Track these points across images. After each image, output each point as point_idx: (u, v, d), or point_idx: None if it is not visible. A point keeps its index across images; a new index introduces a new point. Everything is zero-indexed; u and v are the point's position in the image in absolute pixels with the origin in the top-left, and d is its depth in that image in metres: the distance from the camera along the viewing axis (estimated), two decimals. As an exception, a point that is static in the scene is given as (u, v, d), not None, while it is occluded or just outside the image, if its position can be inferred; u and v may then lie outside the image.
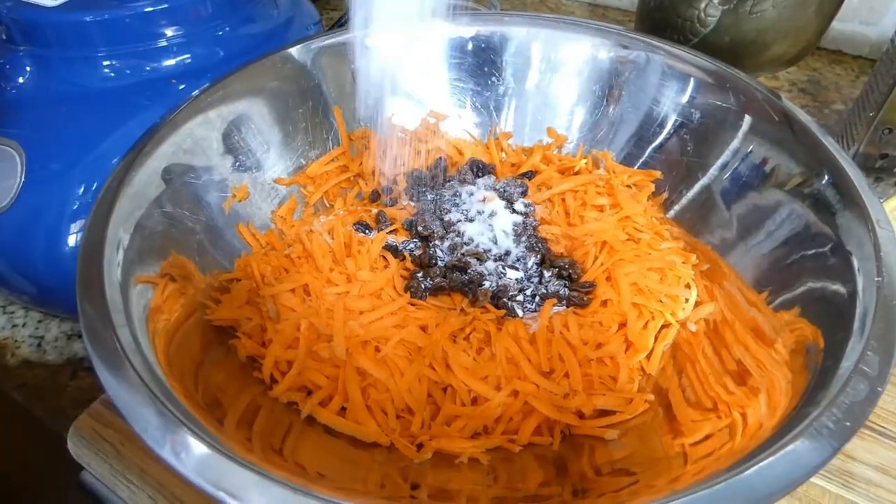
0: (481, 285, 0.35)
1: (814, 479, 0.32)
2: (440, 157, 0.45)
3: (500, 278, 0.36)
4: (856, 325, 0.25)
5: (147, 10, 0.40)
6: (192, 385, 0.27)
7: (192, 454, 0.21)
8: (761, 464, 0.21)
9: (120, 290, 0.26)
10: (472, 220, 0.40)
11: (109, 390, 0.22)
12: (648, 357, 0.34)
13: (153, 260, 0.30)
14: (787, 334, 0.29)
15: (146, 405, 0.22)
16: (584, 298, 0.35)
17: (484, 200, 0.41)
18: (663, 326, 0.35)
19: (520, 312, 0.35)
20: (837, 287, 0.28)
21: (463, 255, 0.37)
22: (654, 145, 0.42)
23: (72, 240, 0.37)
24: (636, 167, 0.43)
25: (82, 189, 0.38)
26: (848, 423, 0.21)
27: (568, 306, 0.35)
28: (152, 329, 0.27)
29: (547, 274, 0.36)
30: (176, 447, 0.21)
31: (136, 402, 0.22)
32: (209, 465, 0.20)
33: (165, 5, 0.41)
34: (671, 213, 0.40)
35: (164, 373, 0.25)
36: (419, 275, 0.36)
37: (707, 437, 0.27)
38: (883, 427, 0.34)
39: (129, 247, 0.29)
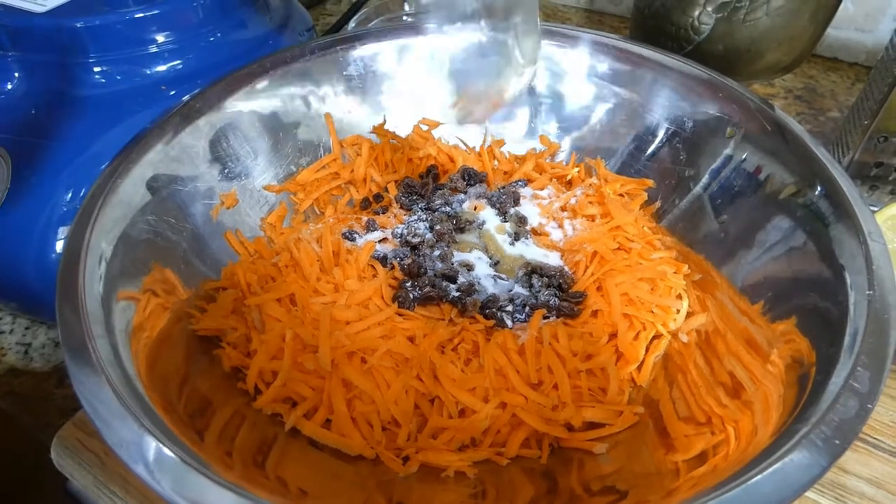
0: (470, 295, 0.35)
1: (807, 493, 0.31)
2: (432, 165, 0.45)
3: (489, 288, 0.36)
4: (846, 340, 0.24)
5: (138, 15, 0.40)
6: (176, 395, 0.27)
7: (168, 471, 0.20)
8: (748, 483, 0.20)
9: (101, 303, 0.26)
10: (462, 229, 0.40)
11: (85, 403, 0.22)
12: (639, 368, 0.33)
13: (137, 274, 0.30)
14: (782, 346, 0.28)
15: (122, 419, 0.21)
16: (575, 309, 0.35)
17: (475, 209, 0.41)
18: (654, 337, 0.34)
19: (509, 323, 0.34)
20: (829, 300, 0.27)
21: (452, 264, 0.37)
22: (646, 154, 0.42)
23: (59, 246, 0.37)
24: (629, 176, 0.42)
25: (70, 195, 0.37)
26: (837, 441, 0.21)
27: (558, 317, 0.35)
28: (135, 343, 0.27)
29: (537, 284, 0.36)
30: (151, 464, 0.20)
31: (112, 416, 0.22)
32: (185, 482, 0.20)
33: (156, 11, 0.40)
34: (664, 222, 0.40)
35: (143, 385, 0.24)
36: (408, 284, 0.35)
37: (700, 454, 0.27)
38: (877, 439, 0.34)
39: (113, 258, 0.28)
